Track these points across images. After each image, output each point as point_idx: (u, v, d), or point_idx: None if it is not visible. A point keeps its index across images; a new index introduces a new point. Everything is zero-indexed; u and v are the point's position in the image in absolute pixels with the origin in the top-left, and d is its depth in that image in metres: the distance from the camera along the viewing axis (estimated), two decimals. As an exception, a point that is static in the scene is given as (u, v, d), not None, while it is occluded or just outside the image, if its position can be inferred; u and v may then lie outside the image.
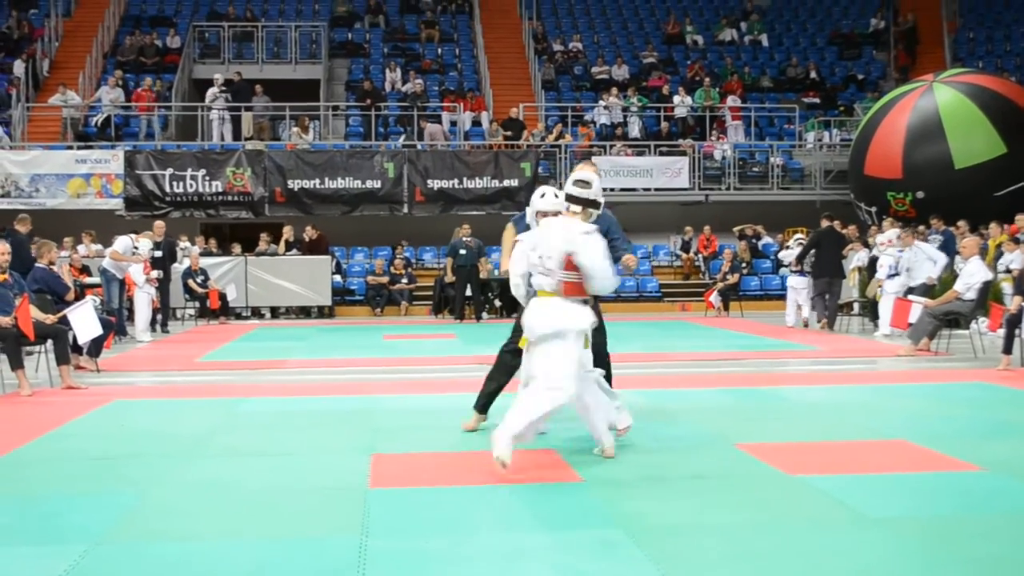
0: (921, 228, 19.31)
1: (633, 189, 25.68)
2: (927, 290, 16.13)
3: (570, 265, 6.65)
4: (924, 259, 16.22)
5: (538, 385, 6.66)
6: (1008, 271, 16.74)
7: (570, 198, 6.93)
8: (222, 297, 20.84)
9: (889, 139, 21.22)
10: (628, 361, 12.51)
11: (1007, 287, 16.28)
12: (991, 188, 20.59)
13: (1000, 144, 20.64)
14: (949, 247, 18.61)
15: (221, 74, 27.39)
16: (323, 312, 22.30)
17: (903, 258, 16.51)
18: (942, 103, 20.92)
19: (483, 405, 8.22)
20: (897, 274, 16.76)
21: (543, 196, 7.28)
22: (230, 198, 23.92)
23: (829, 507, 5.82)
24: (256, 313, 22.19)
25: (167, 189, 23.67)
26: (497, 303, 22.30)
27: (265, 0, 32.75)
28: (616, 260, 7.97)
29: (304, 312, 22.34)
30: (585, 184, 7.00)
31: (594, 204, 7.00)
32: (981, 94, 21.06)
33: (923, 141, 20.82)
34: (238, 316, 21.69)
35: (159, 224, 18.94)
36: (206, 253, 22.32)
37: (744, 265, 23.57)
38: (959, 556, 4.93)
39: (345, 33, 31.30)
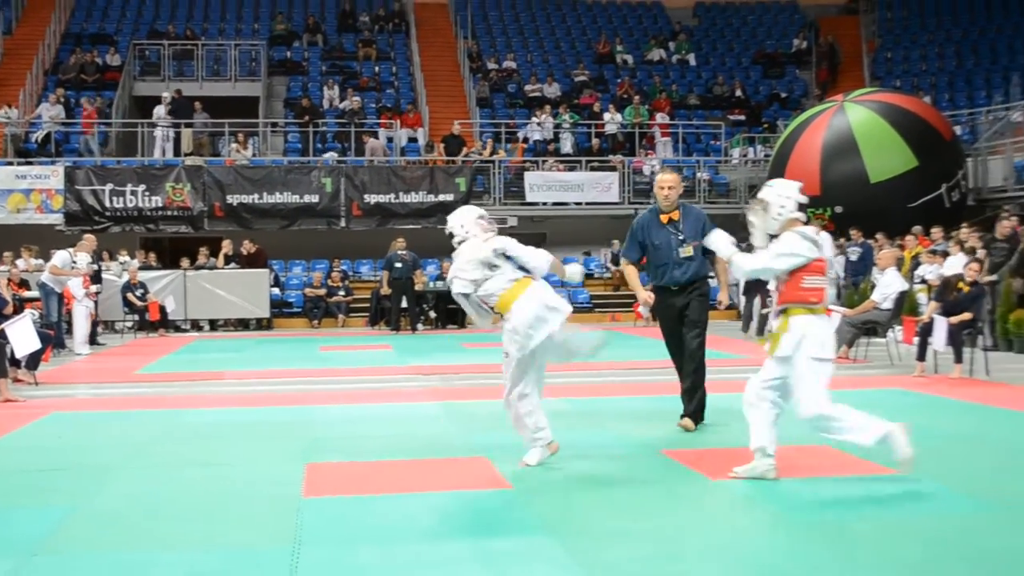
0: (841, 240, 20.20)
1: (565, 203, 26.37)
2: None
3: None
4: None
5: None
6: (924, 282, 17.50)
7: (803, 208, 6.85)
8: (161, 310, 21.19)
9: (805, 158, 22.00)
10: (558, 370, 13.04)
11: (922, 297, 17.09)
12: (906, 200, 21.44)
13: (912, 158, 21.50)
14: (867, 259, 19.51)
15: (168, 92, 27.74)
16: (261, 324, 22.70)
17: None
18: (855, 121, 21.77)
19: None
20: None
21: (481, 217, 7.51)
22: (170, 213, 24.27)
23: (752, 511, 6.04)
24: (195, 325, 22.52)
25: (107, 204, 23.98)
26: (432, 314, 22.85)
27: (205, 19, 33.10)
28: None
29: (242, 324, 22.70)
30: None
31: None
32: (892, 112, 21.97)
33: (839, 158, 21.65)
34: (177, 328, 22.00)
35: (90, 237, 19.15)
36: (146, 267, 22.67)
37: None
38: (877, 558, 5.10)
39: (284, 51, 31.71)
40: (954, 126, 25.71)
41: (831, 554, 5.23)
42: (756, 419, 6.76)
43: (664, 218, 8.73)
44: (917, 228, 19.73)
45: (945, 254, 17.15)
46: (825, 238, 18.17)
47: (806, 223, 6.83)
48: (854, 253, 19.88)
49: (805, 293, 6.62)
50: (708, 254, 8.72)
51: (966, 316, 12.62)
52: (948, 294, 12.97)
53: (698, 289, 8.79)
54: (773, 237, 6.75)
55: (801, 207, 6.75)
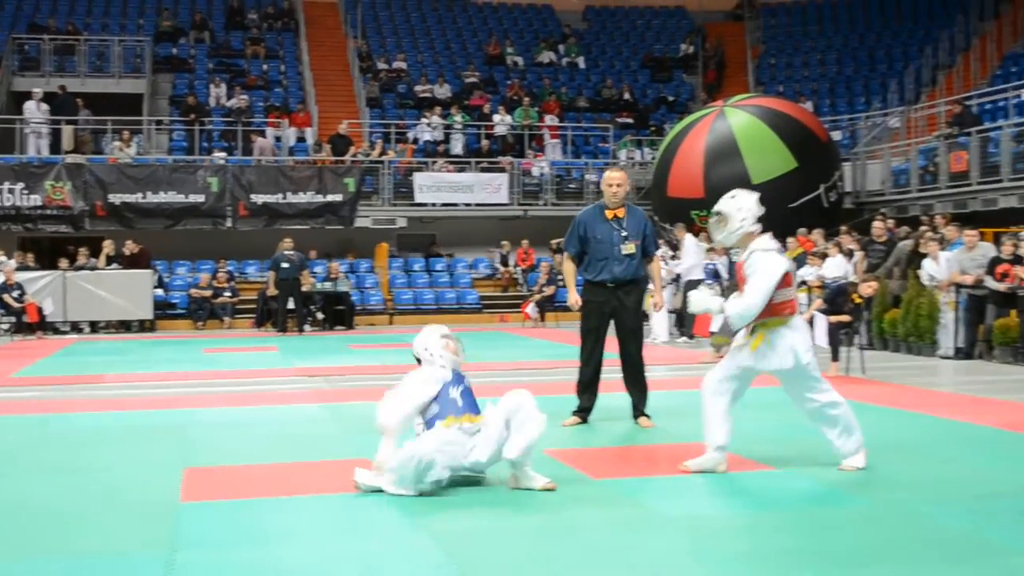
0: None
1: (455, 204, 26.42)
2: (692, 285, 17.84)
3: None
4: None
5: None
6: (804, 283, 17.94)
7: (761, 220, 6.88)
8: (39, 311, 20.69)
9: (688, 161, 22.38)
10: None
11: (803, 297, 17.51)
12: (787, 200, 21.90)
13: (791, 160, 22.00)
14: (749, 260, 19.93)
15: (41, 88, 27.07)
16: (144, 326, 22.32)
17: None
18: (736, 125, 22.22)
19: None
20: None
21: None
22: (49, 212, 23.72)
23: (630, 508, 6.10)
24: (75, 328, 22.06)
25: (-18, 202, 23.37)
26: (319, 315, 22.70)
27: (87, 13, 32.36)
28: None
29: (124, 326, 22.29)
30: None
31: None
32: (770, 115, 22.48)
33: (721, 161, 22.05)
34: (56, 331, 21.53)
35: None
36: (23, 267, 22.11)
37: (560, 277, 24.55)
38: (749, 551, 5.24)
39: (169, 48, 31.19)
40: (835, 131, 26.43)
41: (702, 549, 5.33)
42: (713, 412, 6.88)
43: (609, 214, 8.88)
44: (802, 231, 20.17)
45: (824, 255, 17.58)
46: (690, 241, 18.74)
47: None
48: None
49: (779, 307, 6.69)
50: (646, 255, 8.97)
51: (844, 317, 13.01)
52: (843, 302, 13.28)
53: (633, 293, 8.94)
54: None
55: (759, 219, 6.77)
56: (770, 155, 22.03)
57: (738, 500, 6.39)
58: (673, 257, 19.41)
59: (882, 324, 15.97)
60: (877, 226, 17.52)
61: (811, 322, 13.05)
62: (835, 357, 12.82)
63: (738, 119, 22.36)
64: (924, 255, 15.54)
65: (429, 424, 6.55)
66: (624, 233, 8.81)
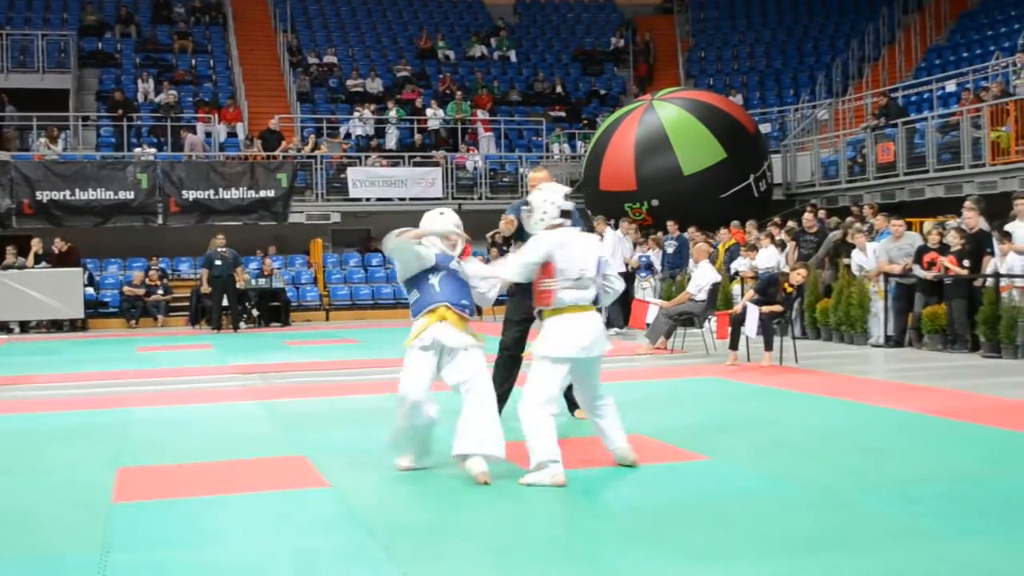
0: (659, 234, 20.74)
1: (388, 199, 26.33)
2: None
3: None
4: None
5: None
6: (736, 274, 18.14)
7: (566, 214, 6.92)
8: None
9: (620, 155, 22.52)
10: (380, 367, 12.88)
11: (736, 289, 17.71)
12: (717, 190, 22.21)
13: (721, 151, 22.27)
14: (683, 251, 20.09)
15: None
16: (75, 325, 22.02)
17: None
18: (665, 118, 22.42)
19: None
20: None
21: (443, 214, 7.17)
22: (-27, 210, 23.33)
23: (568, 499, 6.15)
24: (5, 328, 21.69)
25: (-95, 202, 22.88)
26: (255, 312, 22.52)
27: (9, 7, 31.68)
28: None
29: (56, 326, 21.99)
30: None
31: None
32: (698, 107, 22.74)
33: (652, 153, 22.24)
34: (-16, 331, 21.20)
35: None
36: (-52, 268, 21.72)
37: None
38: (687, 541, 5.25)
39: (95, 42, 30.71)
40: (764, 123, 26.77)
41: (641, 538, 5.37)
42: (543, 429, 6.66)
43: None
44: (735, 223, 20.39)
45: (754, 248, 17.80)
46: (609, 233, 18.76)
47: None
48: (670, 246, 20.42)
49: (539, 296, 6.79)
50: None
51: (777, 307, 13.17)
52: (774, 291, 13.42)
53: None
54: None
55: (564, 213, 6.85)
56: (700, 146, 22.26)
57: (675, 490, 6.40)
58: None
59: (814, 313, 16.20)
60: (808, 217, 17.78)
61: (743, 312, 13.20)
62: (768, 347, 12.95)
63: (667, 112, 22.57)
64: (853, 245, 15.78)
65: (415, 312, 6.85)
66: None
